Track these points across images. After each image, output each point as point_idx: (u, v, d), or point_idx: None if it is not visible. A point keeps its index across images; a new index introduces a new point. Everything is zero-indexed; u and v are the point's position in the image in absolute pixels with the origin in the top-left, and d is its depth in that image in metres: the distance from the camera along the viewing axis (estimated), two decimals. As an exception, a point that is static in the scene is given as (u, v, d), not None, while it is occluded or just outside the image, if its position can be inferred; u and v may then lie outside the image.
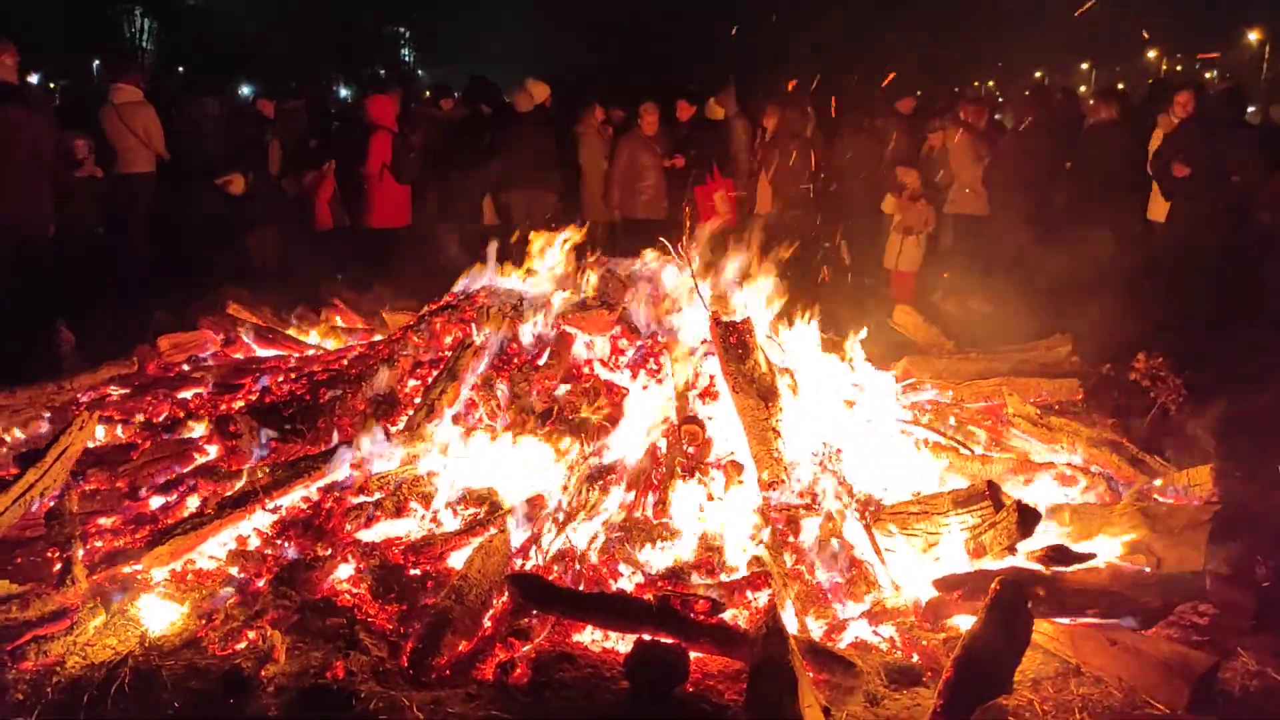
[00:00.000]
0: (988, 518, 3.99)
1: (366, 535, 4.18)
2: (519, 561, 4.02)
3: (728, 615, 3.65)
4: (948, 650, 3.42)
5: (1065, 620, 3.66)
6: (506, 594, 3.69)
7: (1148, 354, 5.94)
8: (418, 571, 3.93)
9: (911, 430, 5.21)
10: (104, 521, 4.43)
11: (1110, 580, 3.84)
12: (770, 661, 3.09)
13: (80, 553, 4.00)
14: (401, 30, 55.46)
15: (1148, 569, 4.00)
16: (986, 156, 9.61)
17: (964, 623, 3.61)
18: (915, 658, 3.60)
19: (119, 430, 5.35)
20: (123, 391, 5.95)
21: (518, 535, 4.12)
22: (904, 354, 6.77)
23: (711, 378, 5.06)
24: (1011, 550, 3.89)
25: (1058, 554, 3.89)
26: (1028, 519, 3.87)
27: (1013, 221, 9.34)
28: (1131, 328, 6.81)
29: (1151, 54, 42.48)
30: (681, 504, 4.34)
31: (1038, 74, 34.94)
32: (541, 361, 5.24)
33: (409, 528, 4.27)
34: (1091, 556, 3.92)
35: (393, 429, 4.89)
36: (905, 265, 9.88)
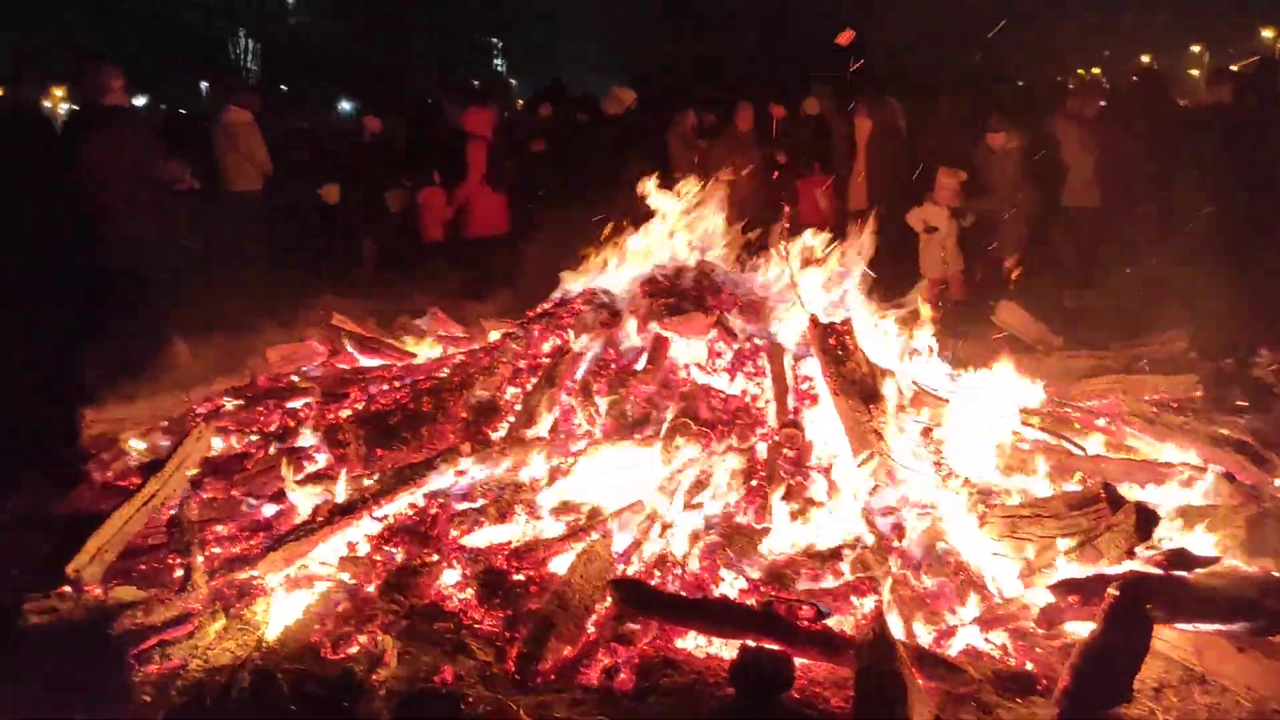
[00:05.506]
0: (1103, 520, 3.86)
1: (471, 541, 4.24)
2: (621, 567, 4.03)
3: (833, 621, 3.60)
4: (1064, 658, 3.32)
5: (1187, 626, 3.52)
6: (609, 599, 3.70)
7: (1271, 348, 5.68)
8: (521, 577, 3.97)
9: (1021, 431, 5.06)
10: (221, 529, 4.58)
11: (1234, 584, 3.67)
12: (877, 668, 3.03)
13: (200, 559, 4.15)
14: (494, 40, 56.48)
15: (1276, 573, 3.81)
16: (1095, 147, 9.33)
17: (1081, 629, 3.50)
18: (1029, 665, 3.50)
19: (233, 440, 5.53)
20: (236, 402, 6.14)
21: (619, 540, 4.13)
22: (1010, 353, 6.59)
23: (811, 380, 5.00)
24: (1129, 554, 3.75)
25: (1178, 558, 3.74)
26: (1146, 521, 3.74)
27: (1122, 212, 9.07)
28: (1253, 321, 6.52)
29: (1268, 34, 40.58)
30: (783, 508, 4.30)
31: (1145, 58, 33.68)
32: (639, 366, 5.25)
33: (512, 533, 4.31)
34: (1215, 560, 3.76)
35: (494, 435, 4.95)
36: (952, 270, 9.65)
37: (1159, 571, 3.71)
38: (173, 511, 4.56)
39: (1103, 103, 10.73)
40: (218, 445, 5.43)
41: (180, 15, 40.84)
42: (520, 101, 16.59)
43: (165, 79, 31.69)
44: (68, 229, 8.06)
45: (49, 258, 8.17)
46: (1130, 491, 4.50)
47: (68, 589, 3.90)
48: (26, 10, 34.15)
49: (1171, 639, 3.49)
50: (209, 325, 6.95)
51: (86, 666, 3.45)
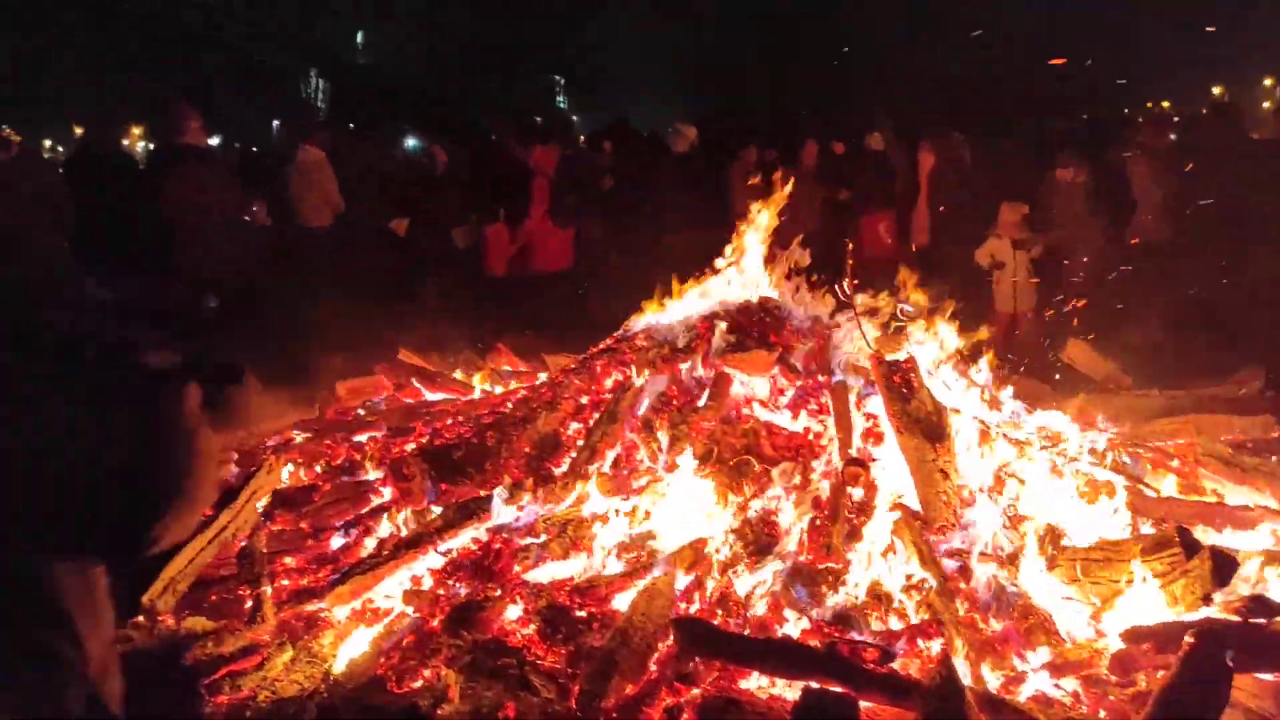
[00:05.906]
0: (1178, 565, 3.77)
1: (534, 576, 4.26)
2: (683, 605, 4.02)
3: (898, 664, 3.55)
4: (1137, 707, 3.24)
5: (1267, 676, 3.41)
6: (671, 637, 3.69)
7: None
8: (584, 613, 3.97)
9: (1092, 472, 4.96)
10: (289, 560, 4.65)
11: (1319, 634, 3.55)
12: (944, 713, 2.99)
13: (269, 590, 4.22)
14: (557, 78, 57.40)
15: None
16: (1165, 181, 9.19)
17: (1156, 678, 3.41)
18: (1102, 713, 3.42)
19: (302, 472, 5.62)
20: (305, 435, 6.25)
21: (681, 578, 4.12)
22: (1078, 391, 6.48)
23: (875, 418, 4.96)
24: (1206, 600, 3.65)
25: (1257, 604, 3.63)
26: (1223, 567, 3.64)
27: (1192, 247, 8.90)
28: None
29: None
30: (847, 549, 4.26)
31: (1217, 90, 33.04)
32: (701, 403, 5.25)
33: (575, 569, 4.32)
34: (1297, 608, 3.65)
35: (557, 470, 4.98)
36: (1022, 306, 9.58)
37: (1237, 619, 3.61)
38: (243, 543, 4.65)
39: (1173, 135, 10.58)
40: (287, 477, 5.53)
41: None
42: (582, 138, 16.80)
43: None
44: (149, 264, 8.32)
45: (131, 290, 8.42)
46: (1206, 535, 4.39)
47: (142, 618, 3.99)
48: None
49: (1250, 688, 3.38)
50: (280, 358, 7.08)
51: (160, 695, 3.52)
